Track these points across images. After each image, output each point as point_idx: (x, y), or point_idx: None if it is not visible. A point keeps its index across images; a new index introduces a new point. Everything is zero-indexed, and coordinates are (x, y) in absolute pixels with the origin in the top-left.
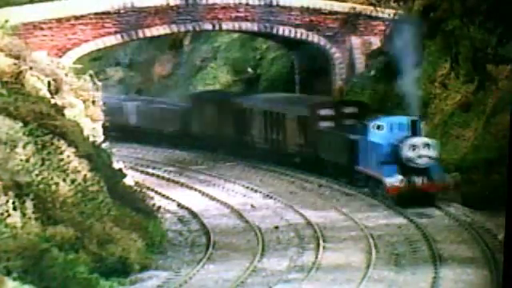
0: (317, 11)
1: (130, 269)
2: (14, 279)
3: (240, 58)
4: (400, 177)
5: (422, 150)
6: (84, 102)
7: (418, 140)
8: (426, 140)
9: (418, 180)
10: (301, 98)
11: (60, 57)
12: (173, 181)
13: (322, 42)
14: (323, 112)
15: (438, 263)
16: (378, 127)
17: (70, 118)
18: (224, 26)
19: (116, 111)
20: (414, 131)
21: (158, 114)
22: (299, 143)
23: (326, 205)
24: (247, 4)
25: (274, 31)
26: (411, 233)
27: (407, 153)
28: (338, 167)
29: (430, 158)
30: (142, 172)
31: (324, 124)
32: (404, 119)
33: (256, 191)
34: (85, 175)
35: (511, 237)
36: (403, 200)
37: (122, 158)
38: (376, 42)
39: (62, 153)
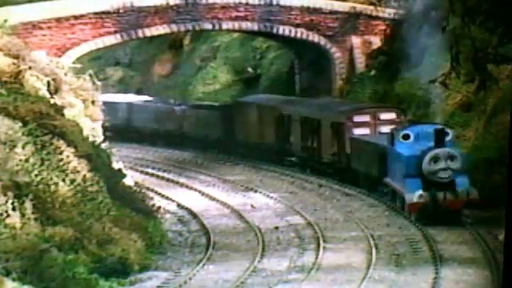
0: (317, 11)
1: (130, 269)
2: (14, 280)
3: (240, 58)
4: (419, 192)
5: (444, 162)
6: (83, 101)
7: (440, 151)
8: (450, 151)
9: (440, 195)
10: (336, 103)
11: (59, 56)
12: (172, 181)
13: (323, 41)
14: (358, 118)
15: (438, 264)
16: (405, 136)
17: (70, 118)
18: (224, 26)
19: (170, 116)
20: (440, 141)
21: (204, 119)
22: (333, 152)
23: (327, 205)
24: (247, 3)
25: (274, 31)
26: (412, 233)
27: (429, 165)
28: (369, 179)
29: (453, 170)
30: (141, 172)
31: (359, 131)
32: (440, 127)
33: (256, 191)
34: (84, 175)
35: (511, 237)
36: (424, 217)
37: (121, 158)
38: (376, 41)
39: (61, 153)
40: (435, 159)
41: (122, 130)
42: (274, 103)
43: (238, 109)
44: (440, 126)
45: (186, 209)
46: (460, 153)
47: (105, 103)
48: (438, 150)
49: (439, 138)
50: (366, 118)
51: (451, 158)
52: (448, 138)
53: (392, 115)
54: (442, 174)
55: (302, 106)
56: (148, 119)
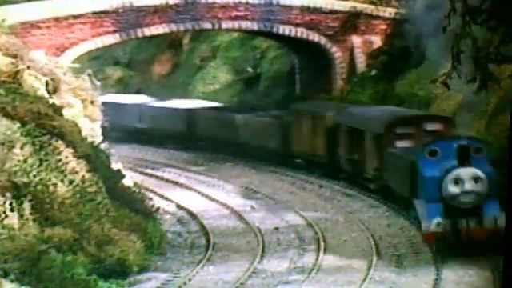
0: (317, 10)
1: (129, 270)
2: (12, 281)
3: (240, 58)
4: (437, 219)
5: (468, 184)
6: (82, 101)
7: (463, 172)
8: (475, 172)
9: (463, 223)
10: (380, 111)
11: (58, 56)
12: (172, 181)
13: (323, 41)
14: (400, 129)
15: (439, 265)
16: (431, 153)
17: (69, 118)
18: (224, 25)
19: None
20: (464, 159)
21: (262, 127)
22: (374, 167)
23: (327, 205)
24: (247, 3)
25: (274, 30)
26: (413, 234)
27: (450, 188)
28: (403, 199)
29: (479, 194)
30: (140, 173)
31: (402, 144)
32: (464, 143)
33: (256, 192)
34: (83, 176)
35: (511, 237)
36: (443, 248)
37: (120, 158)
38: (377, 41)
39: (60, 153)
40: (457, 181)
41: (183, 136)
42: (325, 111)
43: (294, 116)
44: (465, 142)
45: (186, 209)
46: (491, 172)
47: (164, 109)
48: (460, 171)
49: (463, 156)
50: (410, 129)
51: (476, 179)
52: (478, 155)
53: (439, 126)
54: (465, 198)
55: (349, 115)
56: (211, 127)
